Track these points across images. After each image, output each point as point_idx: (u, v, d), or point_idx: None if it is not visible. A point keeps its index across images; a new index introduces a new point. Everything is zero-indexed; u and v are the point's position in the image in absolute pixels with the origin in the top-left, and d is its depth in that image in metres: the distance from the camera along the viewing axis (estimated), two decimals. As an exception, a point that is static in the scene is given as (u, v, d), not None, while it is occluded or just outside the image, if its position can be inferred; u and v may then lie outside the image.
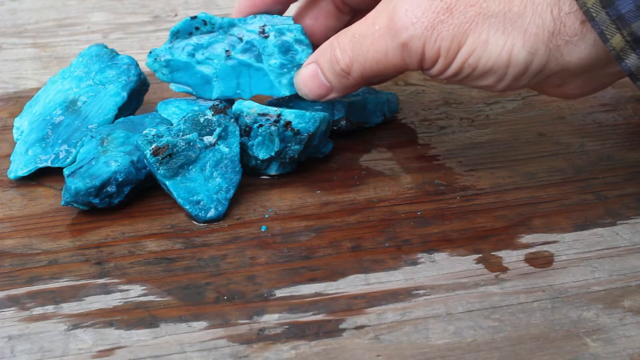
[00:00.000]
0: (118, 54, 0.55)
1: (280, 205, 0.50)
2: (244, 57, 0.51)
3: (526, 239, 0.48)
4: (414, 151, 0.55)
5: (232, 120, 0.50)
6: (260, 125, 0.50)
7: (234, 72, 0.51)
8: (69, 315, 0.43)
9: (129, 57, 0.55)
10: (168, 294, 0.44)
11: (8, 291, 0.44)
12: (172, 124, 0.52)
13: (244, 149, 0.50)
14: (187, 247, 0.47)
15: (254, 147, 0.50)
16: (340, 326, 0.42)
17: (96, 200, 0.48)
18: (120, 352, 0.41)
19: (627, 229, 0.48)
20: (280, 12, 0.53)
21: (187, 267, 0.46)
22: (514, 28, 0.43)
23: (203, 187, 0.48)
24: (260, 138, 0.50)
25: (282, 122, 0.50)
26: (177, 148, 0.48)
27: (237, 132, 0.50)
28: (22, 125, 0.54)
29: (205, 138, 0.49)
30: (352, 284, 0.45)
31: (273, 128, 0.49)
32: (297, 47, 0.51)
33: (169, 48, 0.52)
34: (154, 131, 0.49)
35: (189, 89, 0.52)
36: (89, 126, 0.52)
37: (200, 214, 0.48)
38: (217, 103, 0.50)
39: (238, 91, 0.52)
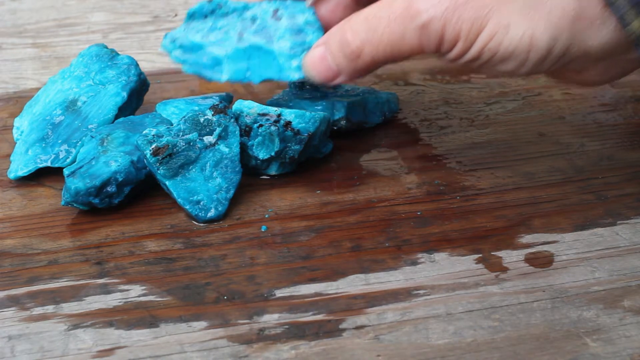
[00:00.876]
0: (118, 54, 0.55)
1: (280, 205, 0.50)
2: (256, 39, 0.50)
3: (526, 239, 0.48)
4: (414, 151, 0.55)
5: (232, 120, 0.50)
6: (260, 125, 0.50)
7: (244, 54, 0.50)
8: (69, 315, 0.43)
9: (129, 57, 0.55)
10: (168, 294, 0.44)
11: (8, 291, 0.44)
12: (172, 124, 0.52)
13: (243, 149, 0.50)
14: (187, 247, 0.47)
15: (254, 147, 0.50)
16: (340, 326, 0.42)
17: (96, 200, 0.48)
18: (120, 352, 0.41)
19: (627, 229, 0.48)
20: None
21: (187, 267, 0.46)
22: (536, 12, 0.42)
23: (203, 187, 0.48)
24: (260, 138, 0.50)
25: (282, 122, 0.50)
26: (177, 148, 0.48)
27: (237, 132, 0.50)
28: (22, 125, 0.54)
29: (205, 138, 0.49)
30: (352, 284, 0.45)
31: (273, 128, 0.49)
32: (307, 29, 0.50)
33: (184, 30, 0.51)
34: (154, 131, 0.49)
35: (199, 70, 0.51)
36: (89, 126, 0.52)
37: (200, 214, 0.48)
38: (217, 103, 0.50)
39: (248, 74, 0.50)
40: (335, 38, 0.47)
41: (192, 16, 0.51)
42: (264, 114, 0.50)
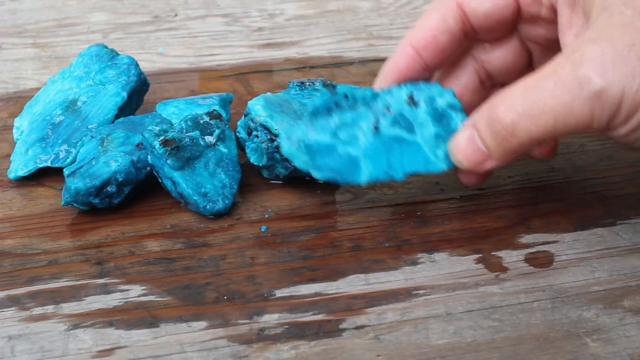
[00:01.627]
0: (118, 54, 0.55)
1: (280, 205, 0.50)
2: (394, 131, 0.45)
3: (526, 239, 0.48)
4: (414, 151, 0.55)
5: (227, 125, 0.50)
6: (257, 136, 0.50)
7: (383, 148, 0.45)
8: (69, 315, 0.43)
9: (129, 57, 0.55)
10: (168, 294, 0.44)
11: (8, 291, 0.44)
12: (172, 124, 0.52)
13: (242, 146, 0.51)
14: (187, 247, 0.47)
15: (249, 149, 0.50)
16: (340, 326, 0.42)
17: (96, 200, 0.48)
18: (120, 352, 0.41)
19: (627, 229, 0.48)
20: (441, 64, 0.47)
21: (187, 267, 0.46)
22: None
23: (209, 182, 0.49)
24: (254, 145, 0.50)
25: (275, 143, 0.49)
26: (183, 142, 0.48)
27: (233, 137, 0.50)
28: (22, 125, 0.54)
29: (206, 138, 0.49)
30: (352, 284, 0.45)
31: (263, 145, 0.49)
32: (451, 112, 0.45)
33: (308, 130, 0.45)
34: (159, 127, 0.49)
35: (334, 175, 0.45)
36: (89, 126, 0.52)
37: (208, 205, 0.48)
38: (212, 110, 0.50)
39: (389, 171, 0.45)
40: (484, 116, 0.41)
41: (315, 113, 0.45)
42: (264, 127, 0.49)
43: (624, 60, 0.37)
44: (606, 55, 0.37)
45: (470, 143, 0.43)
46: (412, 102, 0.45)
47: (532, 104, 0.39)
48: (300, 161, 0.44)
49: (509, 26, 0.46)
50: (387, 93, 0.45)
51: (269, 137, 0.49)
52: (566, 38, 0.42)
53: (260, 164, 0.50)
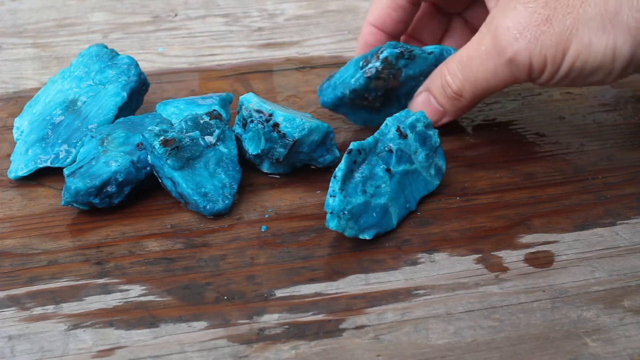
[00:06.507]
0: (118, 54, 0.55)
1: (280, 205, 0.50)
2: (401, 167, 0.48)
3: (526, 239, 0.48)
4: (414, 151, 0.55)
5: (227, 125, 0.50)
6: (252, 121, 0.50)
7: (399, 187, 0.48)
8: (69, 315, 0.43)
9: (129, 57, 0.55)
10: (168, 294, 0.44)
11: (8, 291, 0.44)
12: (172, 124, 0.52)
13: (240, 142, 0.51)
14: (187, 247, 0.47)
15: (246, 141, 0.50)
16: (340, 326, 0.42)
17: (96, 200, 0.48)
18: (120, 352, 0.41)
19: (627, 229, 0.48)
20: (402, 31, 0.57)
21: (187, 267, 0.46)
22: (613, 26, 0.45)
23: (209, 182, 0.49)
24: (251, 133, 0.50)
25: (271, 122, 0.50)
26: (183, 142, 0.48)
27: (233, 137, 0.50)
28: (22, 125, 0.54)
29: (206, 138, 0.49)
30: (352, 284, 0.45)
31: (260, 126, 0.50)
32: (428, 131, 0.50)
33: (343, 196, 0.46)
34: (159, 127, 0.49)
35: (377, 230, 0.47)
36: (89, 126, 0.52)
37: (208, 205, 0.48)
38: (212, 110, 0.51)
39: (407, 205, 0.49)
40: (436, 83, 0.52)
41: (344, 180, 0.46)
42: (258, 111, 0.50)
43: (528, 27, 0.47)
44: (514, 26, 0.47)
45: (427, 105, 0.53)
46: (402, 135, 0.49)
47: (468, 72, 0.50)
48: (351, 230, 0.46)
49: None
50: (385, 134, 0.49)
51: (264, 118, 0.50)
52: (489, 2, 0.52)
53: (259, 150, 0.50)
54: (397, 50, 0.52)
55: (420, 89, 0.53)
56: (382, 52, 0.52)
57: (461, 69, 0.50)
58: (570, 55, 0.46)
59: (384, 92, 0.53)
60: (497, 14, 0.48)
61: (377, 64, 0.52)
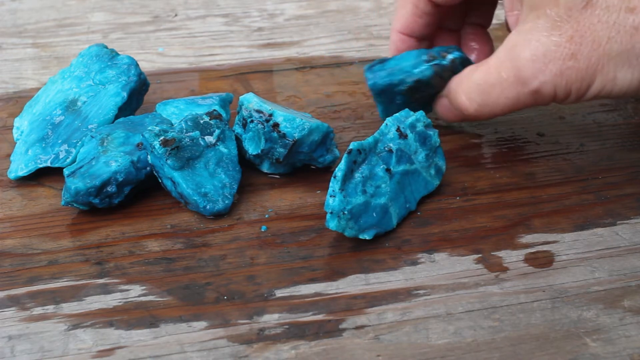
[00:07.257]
0: (118, 54, 0.55)
1: (280, 205, 0.50)
2: (401, 167, 0.48)
3: (526, 239, 0.48)
4: (414, 151, 0.55)
5: (227, 125, 0.50)
6: (252, 121, 0.50)
7: (399, 187, 0.48)
8: (69, 315, 0.43)
9: (129, 57, 0.55)
10: (168, 294, 0.44)
11: (8, 291, 0.44)
12: (172, 124, 0.52)
13: (240, 142, 0.51)
14: (187, 247, 0.47)
15: (246, 141, 0.50)
16: (340, 326, 0.42)
17: (96, 200, 0.48)
18: (120, 352, 0.41)
19: (627, 229, 0.48)
20: (431, 33, 0.56)
21: (187, 267, 0.46)
22: (637, 60, 0.46)
23: (209, 182, 0.49)
24: (251, 133, 0.50)
25: (271, 122, 0.50)
26: (183, 142, 0.48)
27: (233, 137, 0.50)
28: (22, 125, 0.54)
29: (206, 138, 0.49)
30: (352, 284, 0.45)
31: (260, 126, 0.50)
32: (428, 131, 0.50)
33: (343, 196, 0.46)
34: (159, 127, 0.49)
35: (377, 230, 0.47)
36: (89, 126, 0.52)
37: (208, 205, 0.48)
38: (212, 110, 0.50)
39: (407, 205, 0.49)
40: (454, 99, 0.52)
41: (344, 180, 0.46)
42: (258, 111, 0.50)
43: (553, 62, 0.47)
44: (538, 58, 0.47)
45: (448, 109, 0.53)
46: (402, 135, 0.49)
47: (488, 99, 0.50)
48: (351, 230, 0.46)
49: None
50: (385, 133, 0.49)
51: (264, 118, 0.50)
52: (509, 18, 0.50)
53: (259, 150, 0.50)
54: (464, 55, 0.53)
55: (443, 92, 0.53)
56: (450, 52, 0.53)
57: (480, 94, 0.50)
58: (594, 88, 0.47)
59: (431, 94, 0.53)
60: (520, 41, 0.48)
61: (445, 62, 0.52)
